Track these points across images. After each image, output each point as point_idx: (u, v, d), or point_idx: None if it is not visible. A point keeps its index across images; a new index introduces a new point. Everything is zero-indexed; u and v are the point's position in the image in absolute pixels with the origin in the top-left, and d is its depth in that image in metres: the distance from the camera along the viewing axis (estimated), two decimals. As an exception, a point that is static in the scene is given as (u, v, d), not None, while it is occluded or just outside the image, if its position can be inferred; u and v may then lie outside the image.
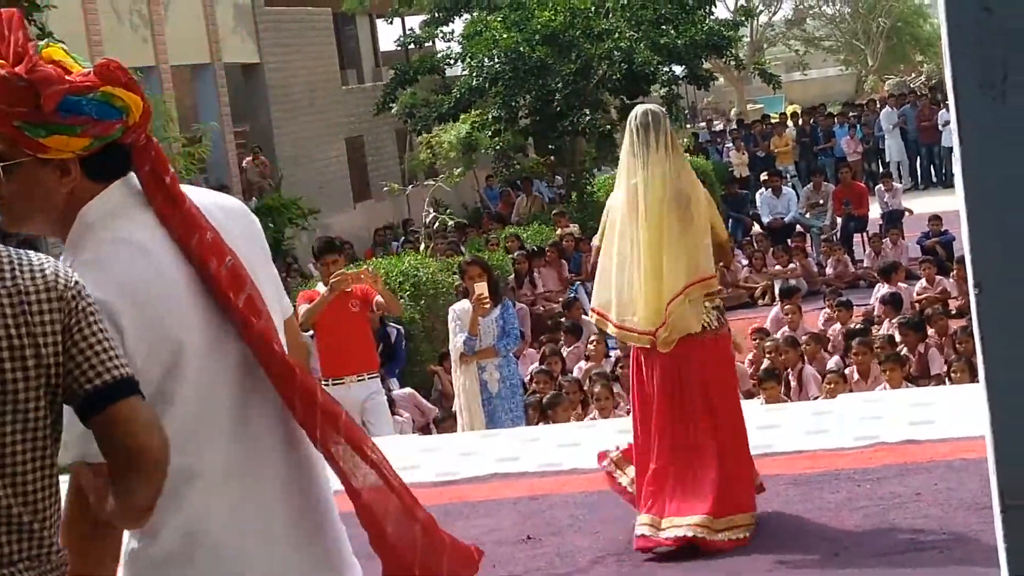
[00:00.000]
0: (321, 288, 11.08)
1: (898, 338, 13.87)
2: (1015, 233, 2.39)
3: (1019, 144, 2.37)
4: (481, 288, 11.07)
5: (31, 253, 2.68)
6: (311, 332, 12.27)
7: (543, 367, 13.78)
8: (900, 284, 17.13)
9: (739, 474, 6.59)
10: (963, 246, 2.44)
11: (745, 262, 20.53)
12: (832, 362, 13.57)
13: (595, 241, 7.13)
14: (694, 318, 6.58)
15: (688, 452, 6.51)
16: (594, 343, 14.63)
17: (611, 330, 6.64)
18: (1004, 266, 2.38)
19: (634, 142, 6.56)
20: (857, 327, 14.48)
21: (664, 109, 6.88)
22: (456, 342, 11.38)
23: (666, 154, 6.56)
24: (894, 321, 14.59)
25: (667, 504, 6.49)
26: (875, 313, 15.76)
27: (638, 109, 6.74)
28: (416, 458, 9.09)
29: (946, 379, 12.27)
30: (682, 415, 6.54)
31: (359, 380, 10.93)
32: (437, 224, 20.54)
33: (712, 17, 29.23)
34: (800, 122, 33.69)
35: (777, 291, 17.83)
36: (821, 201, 23.59)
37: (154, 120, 13.07)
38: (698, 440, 6.53)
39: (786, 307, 15.59)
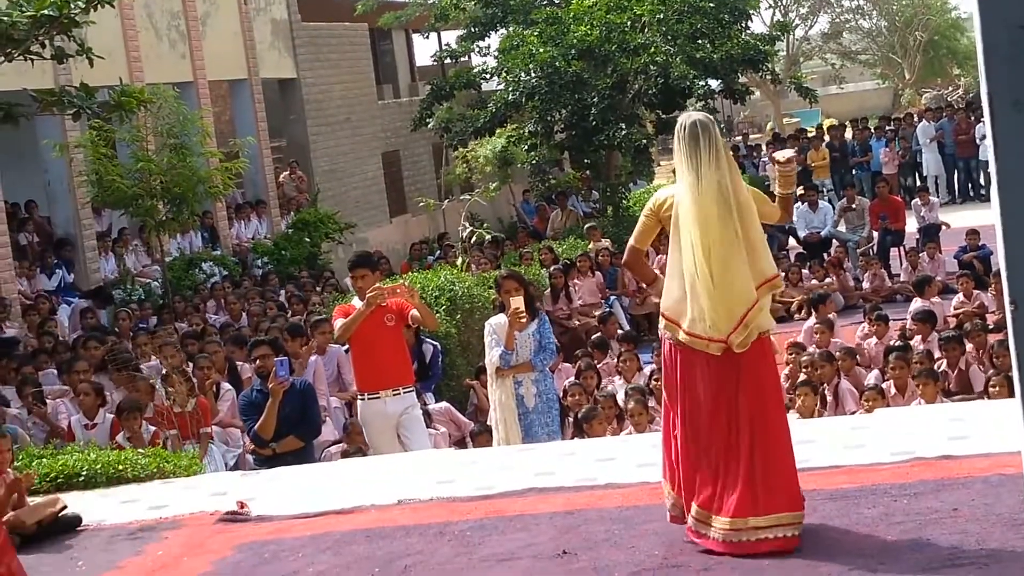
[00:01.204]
0: (357, 303, 11.11)
1: (938, 353, 13.81)
2: (1051, 250, 2.40)
3: (1055, 161, 2.38)
4: (518, 302, 11.06)
5: None
6: (346, 347, 12.33)
7: (577, 381, 13.78)
8: (935, 298, 17.07)
9: (785, 471, 6.61)
10: (999, 261, 2.44)
11: (782, 276, 20.44)
12: (871, 377, 13.53)
13: (632, 241, 7.08)
14: (767, 318, 6.67)
15: (740, 450, 6.53)
16: (626, 360, 14.61)
17: (681, 336, 6.60)
18: (1040, 283, 2.39)
19: (688, 152, 6.56)
20: (895, 342, 14.43)
21: (710, 116, 6.84)
22: (492, 356, 11.38)
23: (719, 162, 6.57)
24: (929, 338, 14.52)
25: (721, 501, 6.51)
26: (908, 328, 15.70)
27: (686, 119, 6.68)
28: (452, 472, 9.10)
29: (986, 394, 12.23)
30: (736, 414, 6.55)
31: (395, 394, 10.94)
32: (474, 238, 20.55)
33: (748, 31, 29.25)
34: (834, 136, 33.58)
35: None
36: (855, 212, 23.50)
37: (192, 135, 13.20)
38: (751, 439, 6.54)
39: (816, 326, 15.52)
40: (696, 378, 6.63)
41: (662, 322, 6.77)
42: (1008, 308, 2.43)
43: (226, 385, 13.87)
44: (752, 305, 6.57)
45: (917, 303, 16.83)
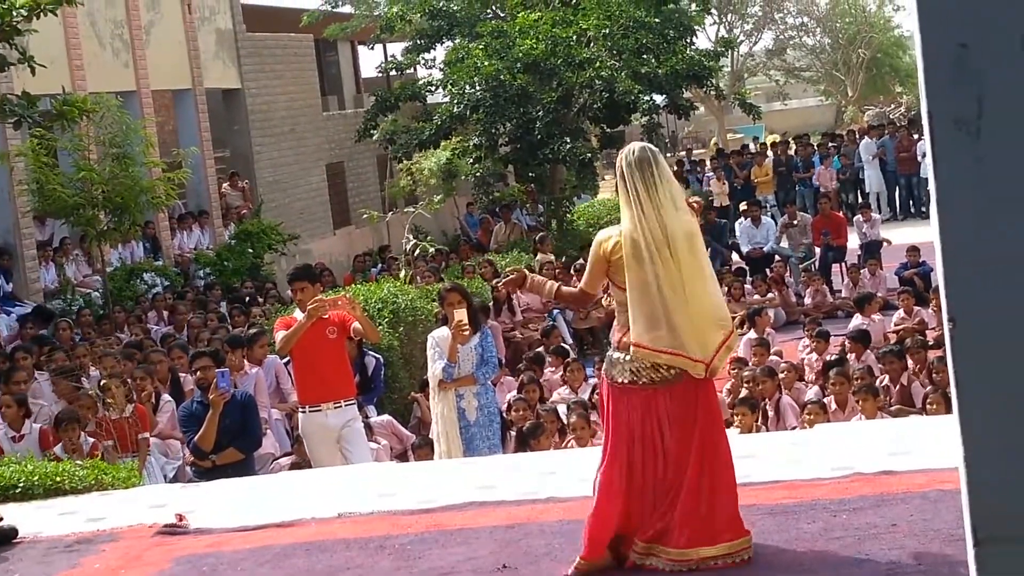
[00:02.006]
0: (298, 315, 11.06)
1: (880, 368, 13.89)
2: (990, 268, 2.40)
3: (994, 181, 2.39)
4: (461, 315, 11.06)
5: None
6: (287, 359, 12.28)
7: (521, 395, 13.78)
8: (876, 315, 17.18)
9: (733, 498, 6.61)
10: (938, 279, 2.45)
11: (724, 291, 20.54)
12: (811, 393, 13.60)
13: (584, 287, 7.03)
14: (736, 343, 6.75)
15: (691, 483, 6.51)
16: (572, 370, 14.65)
17: (663, 359, 6.54)
18: (979, 301, 2.40)
19: (636, 186, 6.50)
20: (835, 358, 14.52)
21: (654, 147, 6.80)
22: (435, 369, 11.37)
23: (671, 192, 6.55)
24: (863, 356, 14.61)
25: (670, 535, 6.49)
26: (845, 345, 15.80)
27: (632, 147, 6.63)
28: (393, 485, 9.07)
29: (924, 410, 12.32)
30: (688, 446, 6.53)
31: (336, 407, 10.91)
32: (419, 251, 20.52)
33: (693, 47, 29.35)
34: (779, 152, 33.76)
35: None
36: (797, 228, 23.65)
37: (134, 145, 13.07)
38: (702, 470, 6.53)
39: (754, 348, 15.55)
40: (645, 414, 6.57)
41: (635, 352, 6.60)
42: (947, 326, 2.44)
43: (166, 396, 13.77)
44: (732, 329, 6.65)
45: (858, 319, 16.94)
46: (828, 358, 14.74)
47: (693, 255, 6.53)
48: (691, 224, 6.61)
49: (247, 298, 21.60)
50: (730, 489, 6.61)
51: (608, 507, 6.58)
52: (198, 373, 11.71)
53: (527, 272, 7.30)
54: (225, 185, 28.34)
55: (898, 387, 13.54)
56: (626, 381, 6.55)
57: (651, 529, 6.53)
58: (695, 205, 6.91)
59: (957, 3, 2.37)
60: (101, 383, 13.06)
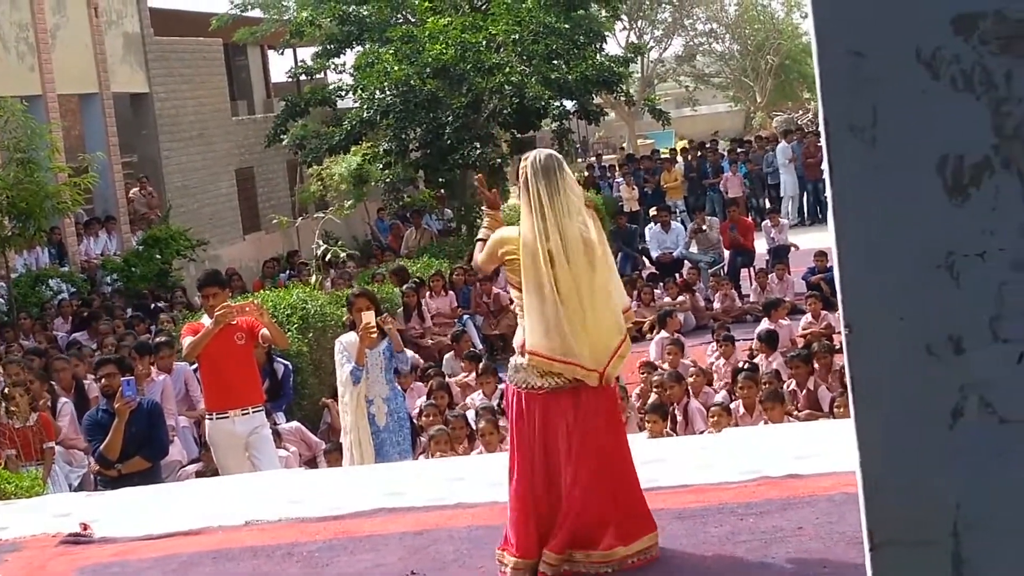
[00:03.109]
0: (206, 320, 10.98)
1: (787, 372, 14.01)
2: (886, 276, 2.42)
3: (889, 188, 2.41)
4: (368, 317, 11.03)
5: None
6: (195, 365, 12.18)
7: (431, 401, 13.77)
8: (783, 320, 17.34)
9: (639, 495, 6.65)
10: (836, 286, 2.47)
11: (634, 296, 20.63)
12: (719, 397, 13.69)
13: (479, 261, 7.05)
14: (628, 351, 6.75)
15: (601, 486, 6.52)
16: (485, 374, 14.66)
17: (557, 368, 6.53)
18: (875, 308, 2.42)
19: (539, 192, 6.49)
20: (744, 363, 14.64)
21: (558, 155, 6.78)
22: (343, 373, 11.33)
23: (572, 200, 6.55)
24: (771, 358, 14.75)
25: (592, 538, 6.50)
26: (753, 348, 15.94)
27: (538, 154, 6.60)
28: (301, 492, 9.02)
29: (831, 413, 12.44)
30: (592, 449, 6.54)
31: (244, 414, 10.85)
32: (330, 256, 20.42)
33: (603, 53, 29.43)
34: (689, 157, 33.96)
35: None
36: (706, 233, 23.80)
37: (40, 150, 12.91)
38: (611, 472, 6.55)
39: (668, 346, 15.69)
40: (548, 419, 6.58)
41: (530, 359, 6.61)
42: (844, 332, 2.46)
43: (63, 399, 13.57)
44: (624, 337, 6.64)
45: (765, 324, 17.08)
46: (739, 363, 14.85)
47: (591, 263, 6.54)
48: (590, 231, 6.61)
49: (152, 305, 21.40)
50: (637, 487, 6.66)
51: (522, 511, 6.59)
52: (103, 381, 11.58)
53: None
54: (133, 190, 28.07)
55: (805, 391, 13.66)
56: (531, 386, 6.56)
57: (559, 538, 6.53)
58: (589, 204, 6.95)
59: (852, 12, 2.39)
60: (4, 391, 12.88)
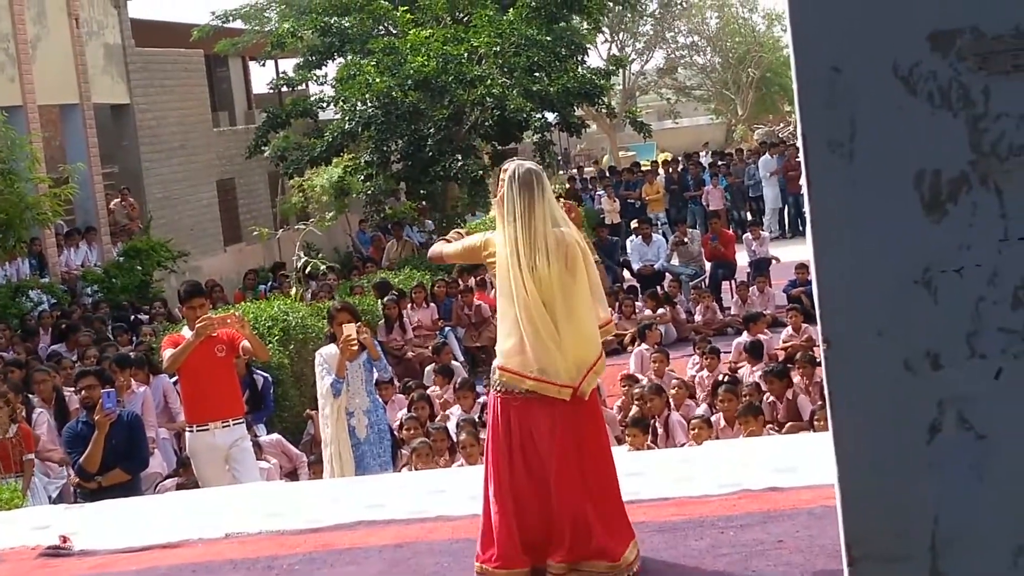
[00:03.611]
0: (187, 332, 10.96)
1: (764, 386, 14.03)
2: (863, 291, 2.43)
3: (866, 202, 2.41)
4: (349, 330, 11.01)
5: None
6: (175, 377, 12.14)
7: (412, 414, 13.75)
8: (764, 333, 17.37)
9: (620, 504, 6.66)
10: (815, 300, 2.48)
11: (615, 309, 20.63)
12: (701, 410, 13.70)
13: (449, 248, 7.04)
14: (604, 368, 6.73)
15: (590, 497, 6.51)
16: (463, 389, 14.65)
17: (528, 385, 6.51)
18: (853, 323, 2.42)
19: (519, 202, 6.47)
20: (725, 375, 14.65)
21: (539, 166, 6.76)
22: (323, 386, 11.31)
23: (552, 212, 6.54)
24: (755, 369, 14.78)
25: (599, 547, 6.49)
26: (734, 360, 15.98)
27: (517, 168, 6.56)
28: (281, 505, 9.00)
29: (812, 426, 12.46)
30: (577, 460, 6.52)
31: (224, 426, 10.82)
32: (310, 268, 20.40)
33: (584, 65, 29.49)
34: (670, 170, 34.00)
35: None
36: (688, 246, 23.82)
37: (20, 160, 12.84)
38: (597, 482, 6.54)
39: (654, 356, 15.75)
40: (529, 423, 6.55)
41: (501, 375, 6.61)
42: (822, 347, 2.47)
43: (39, 409, 13.52)
44: (600, 354, 6.61)
45: (745, 337, 17.10)
46: (720, 375, 14.87)
47: (573, 276, 6.53)
48: (571, 245, 6.58)
49: (133, 317, 21.35)
50: (618, 495, 6.66)
51: (504, 518, 6.52)
52: (83, 393, 11.54)
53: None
54: (114, 202, 28.01)
55: (784, 402, 13.69)
56: (513, 389, 6.51)
57: (564, 547, 6.49)
58: (568, 207, 6.94)
59: (830, 27, 2.40)
60: (-17, 403, 12.83)
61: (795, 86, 2.47)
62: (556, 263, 6.46)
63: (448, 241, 7.17)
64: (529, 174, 6.51)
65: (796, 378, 14.18)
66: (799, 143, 2.54)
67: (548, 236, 6.46)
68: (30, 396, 13.86)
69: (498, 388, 6.58)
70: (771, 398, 13.69)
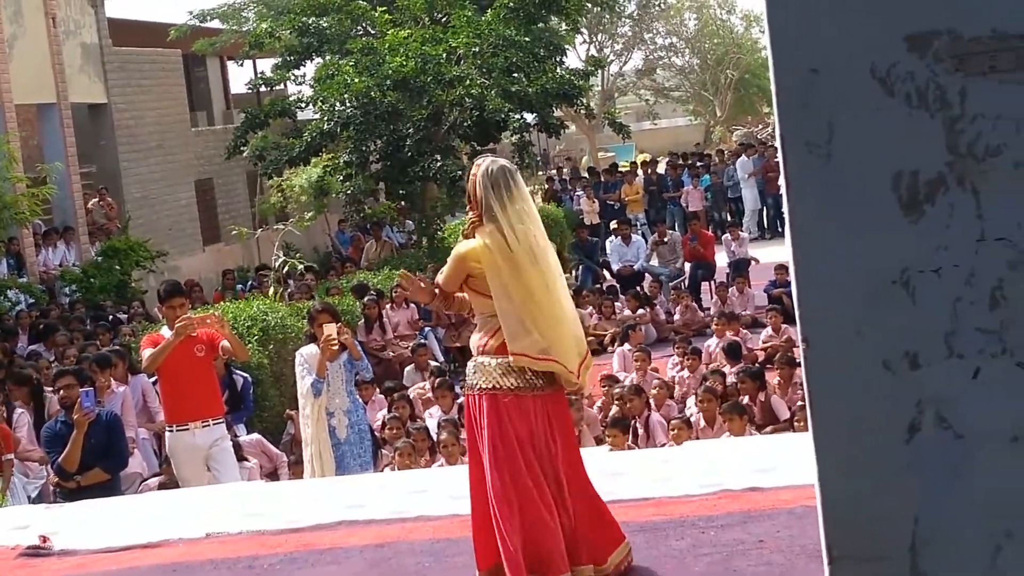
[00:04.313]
0: (166, 332, 10.95)
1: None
2: (841, 291, 2.45)
3: (844, 204, 2.43)
4: (330, 330, 11.01)
5: None
6: (154, 377, 12.13)
7: (394, 414, 13.75)
8: (744, 332, 17.41)
9: (603, 505, 6.66)
10: (794, 301, 2.49)
11: (594, 310, 20.66)
12: (690, 409, 13.72)
13: (443, 284, 6.89)
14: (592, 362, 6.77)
15: (576, 497, 6.51)
16: (441, 388, 14.63)
17: (540, 366, 6.47)
18: (832, 323, 2.44)
19: (499, 197, 6.47)
20: (712, 370, 14.73)
21: (511, 164, 6.74)
22: (304, 385, 11.31)
23: (528, 208, 6.55)
24: (733, 369, 14.82)
25: (594, 549, 6.49)
26: (706, 363, 16.04)
27: (491, 165, 6.52)
28: (262, 505, 9.00)
29: (792, 426, 12.49)
30: (557, 458, 6.50)
31: (204, 426, 10.82)
32: (288, 268, 20.38)
33: (563, 66, 29.48)
34: (649, 171, 34.04)
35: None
36: (667, 246, 23.86)
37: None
38: (579, 482, 6.54)
39: (636, 354, 15.79)
40: (521, 428, 6.50)
41: (517, 360, 6.51)
42: (801, 347, 2.48)
43: (19, 409, 13.48)
44: (588, 349, 6.66)
45: (715, 340, 17.16)
46: (702, 375, 14.93)
47: (555, 264, 6.58)
48: (547, 242, 6.64)
49: (110, 317, 21.29)
50: (597, 496, 6.67)
51: (510, 522, 6.36)
52: (62, 392, 11.52)
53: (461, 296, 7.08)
54: (92, 201, 27.95)
55: (759, 404, 13.72)
56: (495, 386, 6.43)
57: (583, 550, 6.48)
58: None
59: (809, 29, 2.42)
60: (-38, 403, 12.80)
61: (773, 87, 2.49)
62: (544, 254, 6.49)
63: (441, 294, 6.99)
64: (500, 172, 6.50)
65: (774, 379, 14.22)
66: (777, 144, 2.55)
67: (528, 230, 6.47)
68: (9, 396, 13.81)
69: (483, 386, 6.49)
70: (745, 400, 13.72)
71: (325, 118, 26.43)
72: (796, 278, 2.45)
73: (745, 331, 17.81)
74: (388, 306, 20.00)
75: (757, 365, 15.12)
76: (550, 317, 6.45)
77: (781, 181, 2.61)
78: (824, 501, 2.45)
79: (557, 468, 6.44)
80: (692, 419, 12.98)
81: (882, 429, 2.57)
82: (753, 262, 23.79)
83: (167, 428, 11.13)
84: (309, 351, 11.38)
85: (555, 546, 6.32)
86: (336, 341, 11.02)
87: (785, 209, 2.50)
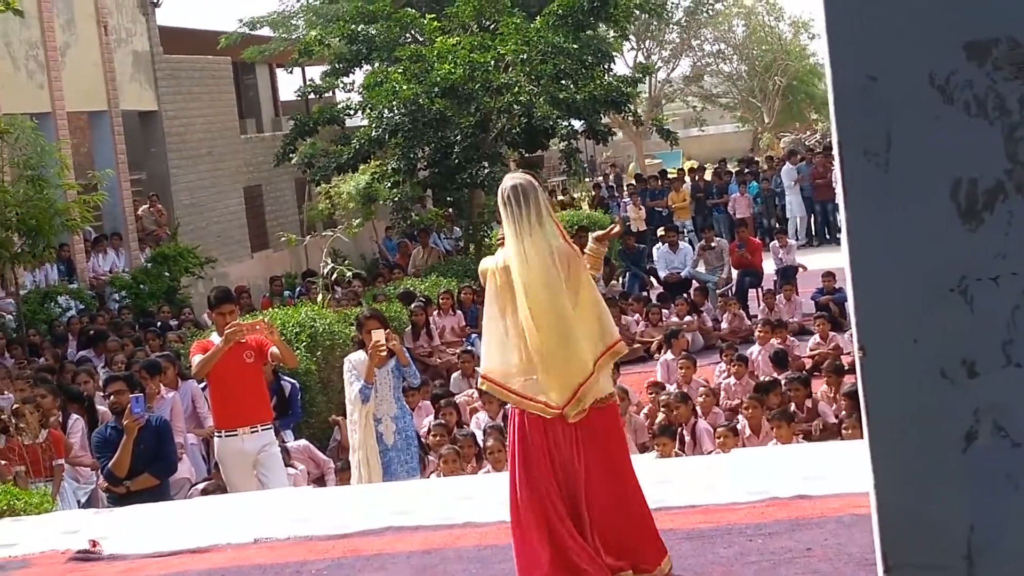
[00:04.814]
0: (216, 339, 11.00)
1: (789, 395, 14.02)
2: (899, 298, 2.44)
3: (902, 211, 2.42)
4: (379, 336, 11.02)
5: None
6: (203, 383, 12.18)
7: (440, 420, 13.77)
8: (791, 339, 17.35)
9: (650, 520, 6.64)
10: (849, 309, 2.48)
11: (640, 317, 20.62)
12: (740, 417, 13.68)
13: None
14: (607, 383, 6.63)
15: (609, 511, 6.50)
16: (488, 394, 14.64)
17: (510, 399, 6.51)
18: (888, 330, 2.43)
19: (511, 217, 6.44)
20: (768, 380, 14.68)
21: (531, 179, 6.67)
22: (352, 392, 11.33)
23: (543, 227, 6.49)
24: (779, 377, 14.77)
25: (634, 558, 6.49)
26: (750, 372, 16.00)
27: (507, 184, 6.54)
28: (310, 510, 9.03)
29: (840, 434, 12.44)
30: (589, 478, 6.50)
31: (252, 432, 10.86)
32: (336, 275, 20.44)
33: (611, 73, 29.47)
34: (696, 178, 33.97)
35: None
36: (714, 252, 23.79)
37: (49, 167, 12.92)
38: (612, 500, 6.52)
39: (681, 362, 15.75)
40: (539, 441, 6.50)
41: (483, 384, 6.65)
42: (857, 355, 2.47)
43: (74, 416, 13.57)
44: (587, 378, 6.48)
45: (757, 347, 17.11)
46: (752, 382, 14.90)
47: (572, 291, 6.49)
48: (568, 254, 6.56)
49: (159, 323, 21.41)
50: (646, 511, 6.64)
51: (537, 528, 6.45)
52: (112, 398, 11.58)
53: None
54: (142, 208, 28.12)
55: (805, 411, 13.68)
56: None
57: (612, 563, 6.47)
58: (616, 226, 6.93)
59: (867, 36, 2.41)
60: (14, 407, 12.89)
61: (830, 95, 2.47)
62: (551, 281, 6.41)
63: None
64: (516, 191, 6.47)
65: (821, 387, 14.17)
66: (834, 151, 2.54)
67: (545, 252, 6.42)
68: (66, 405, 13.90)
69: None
70: (792, 407, 13.68)
71: (373, 125, 26.48)
72: (853, 285, 2.44)
73: (792, 339, 17.72)
74: (435, 312, 20.03)
75: (802, 372, 15.05)
76: (538, 346, 6.38)
77: (835, 188, 2.60)
78: (879, 509, 2.43)
79: (576, 484, 6.44)
80: (738, 427, 12.94)
81: (938, 437, 2.55)
82: (801, 269, 23.69)
83: (216, 433, 11.18)
84: (357, 357, 11.40)
85: (560, 559, 6.38)
86: (384, 347, 11.04)
87: (841, 217, 2.49)
